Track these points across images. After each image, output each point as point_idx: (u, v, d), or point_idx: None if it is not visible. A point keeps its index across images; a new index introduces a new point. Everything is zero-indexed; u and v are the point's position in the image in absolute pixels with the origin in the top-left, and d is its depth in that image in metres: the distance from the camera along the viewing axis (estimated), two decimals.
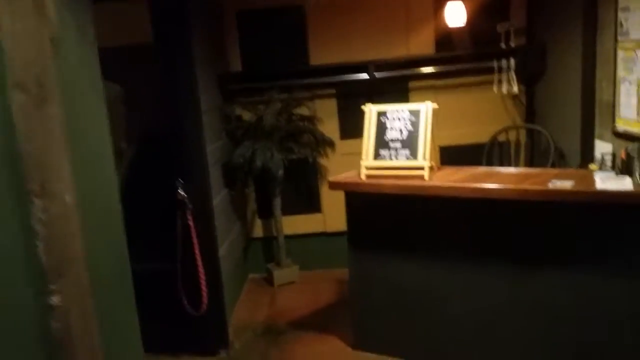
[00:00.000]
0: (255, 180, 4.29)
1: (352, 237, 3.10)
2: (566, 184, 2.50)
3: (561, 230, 2.54)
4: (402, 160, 2.90)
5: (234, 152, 3.89)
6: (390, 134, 2.96)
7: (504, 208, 2.62)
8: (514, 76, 3.95)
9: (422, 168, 2.85)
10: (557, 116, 3.75)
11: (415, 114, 2.92)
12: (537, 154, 3.88)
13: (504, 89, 3.97)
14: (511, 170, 3.09)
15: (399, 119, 2.95)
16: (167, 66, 3.22)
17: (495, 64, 4.00)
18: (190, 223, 3.13)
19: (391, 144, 2.94)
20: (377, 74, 4.04)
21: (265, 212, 4.44)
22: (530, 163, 3.99)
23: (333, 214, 4.43)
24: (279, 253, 4.33)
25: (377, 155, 2.96)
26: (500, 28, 3.99)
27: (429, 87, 4.21)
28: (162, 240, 3.33)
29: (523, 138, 4.12)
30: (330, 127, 4.28)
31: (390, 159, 2.93)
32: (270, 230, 4.48)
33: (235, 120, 4.20)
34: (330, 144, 4.15)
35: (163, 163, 3.32)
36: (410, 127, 2.92)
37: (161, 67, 3.23)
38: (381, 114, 3.00)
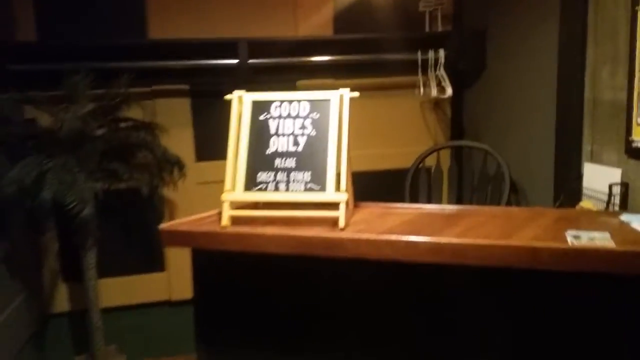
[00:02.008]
0: (59, 222, 2.85)
1: (203, 325, 1.79)
2: (602, 240, 1.43)
3: (590, 320, 1.44)
4: (297, 191, 1.67)
5: (5, 176, 2.40)
6: (276, 144, 1.72)
7: (481, 281, 1.48)
8: (444, 74, 2.95)
9: (334, 205, 1.64)
10: (504, 132, 2.80)
11: (320, 107, 1.73)
12: (480, 186, 2.85)
13: (433, 92, 2.94)
14: (472, 210, 1.98)
15: (292, 117, 1.74)
16: None
17: (419, 56, 2.98)
18: None
19: (278, 162, 1.70)
20: (252, 61, 2.82)
21: (74, 273, 2.97)
22: (475, 199, 2.93)
23: (183, 273, 3.09)
24: (94, 337, 2.86)
25: (252, 183, 1.70)
26: (424, 6, 3.00)
27: (327, 88, 3.08)
28: None
29: (463, 162, 3.10)
30: (180, 142, 3.01)
31: (277, 188, 1.69)
32: (81, 301, 3.00)
33: (22, 125, 2.72)
34: (180, 166, 2.85)
35: None
36: (311, 132, 1.71)
37: None
38: (260, 108, 1.76)
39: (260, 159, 1.71)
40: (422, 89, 2.92)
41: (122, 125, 2.84)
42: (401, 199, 2.84)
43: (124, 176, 2.78)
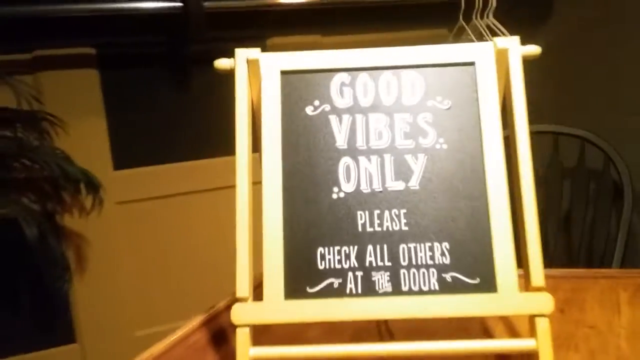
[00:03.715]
0: None
1: None
2: None
3: None
4: (420, 293, 0.69)
5: None
6: (354, 176, 0.73)
7: None
8: (498, 25, 2.04)
9: (515, 323, 0.69)
10: (600, 111, 1.96)
11: (452, 83, 0.75)
12: (577, 193, 1.94)
13: None
14: None
15: (386, 110, 0.74)
16: None
17: None
18: None
19: (366, 221, 0.71)
20: (209, 3, 1.78)
21: None
22: (561, 216, 1.96)
23: (101, 343, 2.17)
24: None
25: (303, 277, 0.70)
26: None
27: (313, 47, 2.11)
28: None
29: (543, 154, 2.17)
30: (87, 142, 1.99)
31: (369, 286, 0.69)
32: None
33: None
34: (93, 185, 1.86)
35: None
36: (436, 142, 0.73)
37: None
38: (303, 89, 0.75)
39: (318, 214, 0.72)
40: None
41: None
42: None
43: None
